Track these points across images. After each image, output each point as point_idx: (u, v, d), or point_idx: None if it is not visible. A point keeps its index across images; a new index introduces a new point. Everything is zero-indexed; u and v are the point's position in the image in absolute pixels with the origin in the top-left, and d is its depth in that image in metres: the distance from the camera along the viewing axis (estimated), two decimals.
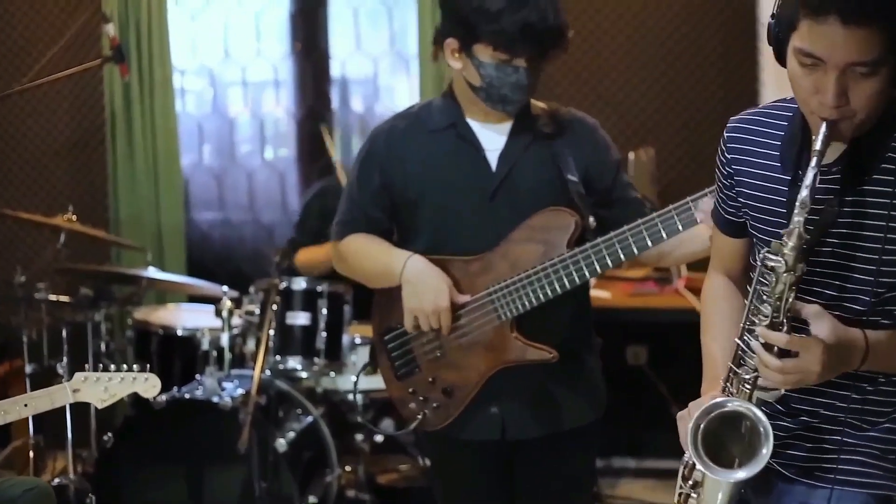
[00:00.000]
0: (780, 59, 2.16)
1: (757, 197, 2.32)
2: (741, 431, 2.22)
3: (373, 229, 3.26)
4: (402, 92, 6.33)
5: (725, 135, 2.39)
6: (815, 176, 2.07)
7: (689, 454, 2.26)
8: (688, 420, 2.26)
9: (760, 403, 2.21)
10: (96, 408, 5.23)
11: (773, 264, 2.09)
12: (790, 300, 2.11)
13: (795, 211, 2.06)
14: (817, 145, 2.07)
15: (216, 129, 6.47)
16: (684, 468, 2.43)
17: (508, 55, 2.95)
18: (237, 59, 6.35)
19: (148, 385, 3.29)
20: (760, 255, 2.17)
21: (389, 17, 6.25)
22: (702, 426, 2.20)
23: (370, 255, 3.24)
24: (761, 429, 2.15)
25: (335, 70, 6.32)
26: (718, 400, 2.22)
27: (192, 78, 6.49)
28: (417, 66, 5.88)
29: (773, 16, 2.15)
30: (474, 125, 3.13)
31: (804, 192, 2.06)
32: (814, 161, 2.07)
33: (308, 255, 5.10)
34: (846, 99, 2.05)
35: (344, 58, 6.29)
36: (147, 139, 6.00)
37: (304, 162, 6.37)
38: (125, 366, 3.31)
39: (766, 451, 2.14)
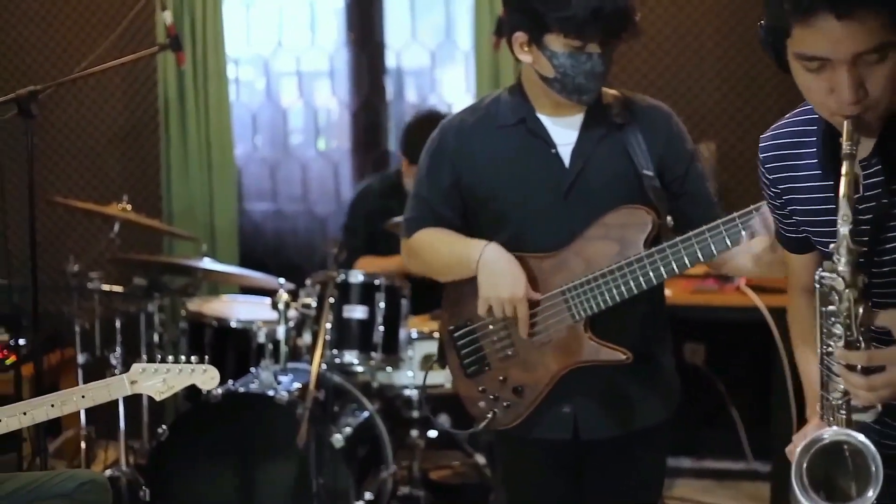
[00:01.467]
0: (783, 67, 2.08)
1: (809, 211, 2.24)
2: (846, 458, 2.11)
3: (441, 227, 3.19)
4: (457, 83, 6.25)
5: (761, 155, 2.32)
6: (850, 182, 1.98)
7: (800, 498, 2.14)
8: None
9: (860, 426, 2.11)
10: (150, 399, 5.28)
11: (830, 283, 2.01)
12: (859, 315, 2.01)
13: (839, 223, 1.98)
14: (845, 148, 1.99)
15: (269, 120, 6.43)
16: None
17: (581, 41, 2.86)
18: (291, 48, 6.30)
19: (206, 377, 3.23)
20: (816, 276, 2.08)
21: (445, 7, 6.19)
22: (804, 465, 2.09)
23: (444, 247, 3.17)
24: (866, 453, 2.04)
25: (390, 61, 6.26)
26: (814, 435, 2.11)
27: (246, 67, 6.45)
28: (473, 58, 5.81)
29: (760, 26, 2.06)
30: (545, 120, 3.06)
31: (842, 203, 1.97)
32: (844, 167, 1.99)
33: (371, 267, 5.05)
34: (864, 91, 1.97)
35: (399, 48, 6.22)
36: (200, 129, 5.96)
37: (358, 153, 6.32)
38: (183, 357, 3.24)
39: (876, 468, 2.03)
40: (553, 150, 3.04)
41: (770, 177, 2.29)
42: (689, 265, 2.85)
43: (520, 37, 2.97)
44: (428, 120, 5.21)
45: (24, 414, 3.15)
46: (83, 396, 3.17)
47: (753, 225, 2.77)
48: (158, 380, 3.20)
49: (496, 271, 3.00)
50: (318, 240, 6.26)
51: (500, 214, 3.10)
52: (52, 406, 3.15)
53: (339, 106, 6.37)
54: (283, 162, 6.42)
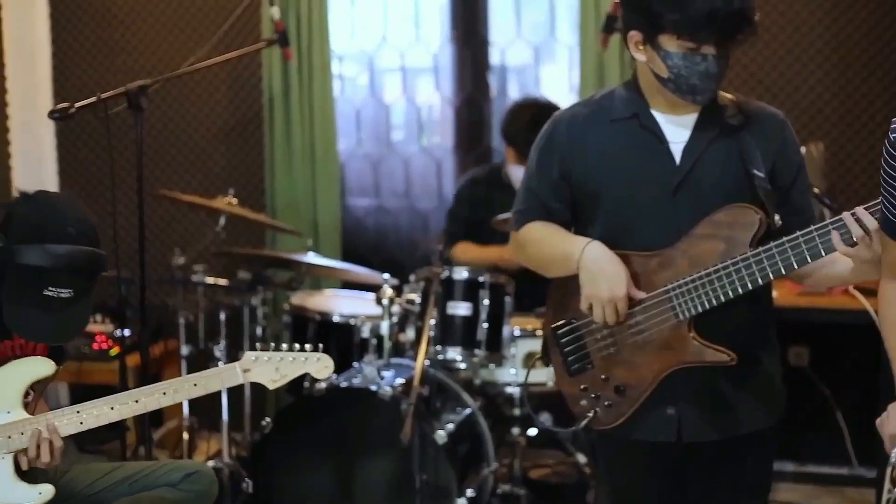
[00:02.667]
0: None
1: None
2: None
3: (551, 219, 3.18)
4: (559, 80, 6.21)
5: (892, 136, 2.26)
6: None
7: (894, 457, 2.12)
8: (888, 424, 2.13)
9: None
10: (252, 392, 5.32)
11: None
12: None
13: None
14: None
15: (372, 116, 6.43)
16: (892, 470, 2.29)
17: (695, 43, 2.82)
18: (395, 44, 6.30)
19: (320, 365, 3.23)
20: None
21: (549, 4, 6.15)
22: None
23: (549, 242, 3.16)
24: None
25: (494, 57, 6.23)
26: None
27: (350, 63, 6.46)
28: (577, 54, 5.76)
29: None
30: (658, 117, 3.03)
31: None
32: None
33: (467, 255, 5.04)
34: None
35: (503, 45, 6.20)
36: (305, 124, 5.99)
37: (461, 150, 6.30)
38: (297, 346, 3.24)
39: None
40: (664, 147, 3.01)
41: None
42: (795, 266, 2.79)
43: (634, 35, 2.94)
44: (530, 106, 5.21)
45: (137, 402, 3.17)
46: (195, 385, 3.18)
47: (853, 229, 2.71)
48: (271, 368, 3.20)
49: (597, 270, 2.98)
50: (419, 236, 6.27)
51: (607, 209, 3.07)
52: (165, 394, 3.17)
53: (442, 102, 6.36)
54: (385, 158, 6.43)
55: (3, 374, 3.21)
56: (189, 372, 5.36)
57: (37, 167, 6.47)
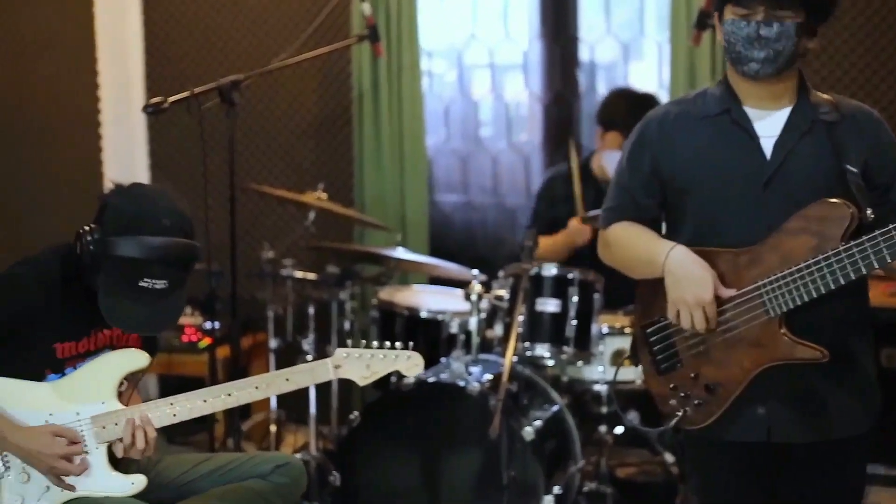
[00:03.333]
0: None
1: None
2: None
3: (641, 216, 3.17)
4: (649, 78, 6.17)
5: None
6: None
7: None
8: None
9: None
10: (339, 386, 5.35)
11: None
12: None
13: None
14: None
15: (461, 112, 6.43)
16: None
17: (745, 9, 2.88)
18: (484, 41, 6.29)
19: (410, 363, 3.24)
20: None
21: (640, 1, 6.11)
22: None
23: (634, 244, 3.16)
24: None
25: (583, 54, 6.20)
26: None
27: (439, 60, 6.46)
28: (668, 52, 5.71)
29: None
30: (750, 112, 3.02)
31: None
32: None
33: (544, 249, 5.02)
34: None
35: (593, 42, 6.17)
36: (393, 120, 6.00)
37: (550, 147, 6.28)
38: (387, 343, 3.25)
39: None
40: (755, 142, 3.00)
41: None
42: (888, 259, 2.75)
43: (715, 17, 2.99)
44: (630, 93, 5.20)
45: (229, 395, 3.20)
46: (287, 380, 3.21)
47: None
48: (362, 365, 3.22)
49: (682, 275, 2.97)
50: (507, 232, 6.26)
51: (697, 205, 3.06)
52: (257, 388, 3.20)
53: (530, 99, 6.35)
54: (473, 154, 6.42)
55: (99, 366, 3.25)
56: (277, 365, 5.40)
57: (128, 161, 6.54)
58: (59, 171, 6.12)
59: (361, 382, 3.24)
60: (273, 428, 5.59)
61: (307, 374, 3.23)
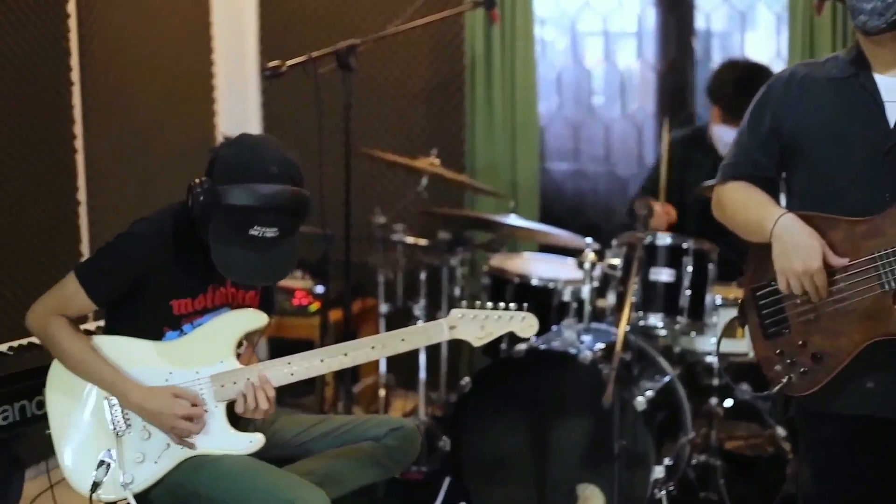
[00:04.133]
0: None
1: None
2: None
3: (757, 175, 3.14)
4: (765, 47, 6.07)
5: None
6: None
7: None
8: None
9: None
10: (448, 351, 5.36)
11: None
12: None
13: None
14: None
15: (573, 80, 6.39)
16: None
17: None
18: (598, 8, 6.24)
19: (525, 325, 3.24)
20: None
21: None
22: None
23: (746, 207, 3.13)
24: None
25: (699, 22, 6.12)
26: None
27: (551, 27, 6.42)
28: (786, 21, 5.61)
29: None
30: (879, 79, 2.96)
31: None
32: None
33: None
34: None
35: (709, 10, 6.09)
36: (506, 87, 5.98)
37: (663, 115, 6.21)
38: (501, 304, 3.24)
39: None
40: (880, 108, 2.95)
41: None
42: None
43: None
44: (738, 65, 5.13)
45: (345, 355, 3.22)
46: (403, 340, 3.22)
47: None
48: (477, 326, 3.22)
49: (789, 243, 2.93)
50: (618, 201, 6.21)
51: (815, 168, 3.03)
52: (373, 348, 3.21)
53: (644, 67, 6.28)
54: (585, 122, 6.38)
55: (218, 325, 3.29)
56: (387, 329, 5.43)
57: (242, 126, 6.58)
58: (174, 135, 6.17)
59: (476, 343, 3.24)
60: (382, 392, 5.63)
61: (422, 335, 3.24)
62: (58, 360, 3.28)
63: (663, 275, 4.58)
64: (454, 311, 3.24)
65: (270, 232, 3.08)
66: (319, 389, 5.62)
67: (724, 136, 4.94)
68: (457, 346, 5.66)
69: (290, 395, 5.75)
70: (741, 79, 4.89)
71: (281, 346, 5.77)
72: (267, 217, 3.06)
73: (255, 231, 3.06)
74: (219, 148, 3.20)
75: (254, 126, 6.64)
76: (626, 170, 6.29)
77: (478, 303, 3.29)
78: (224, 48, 6.59)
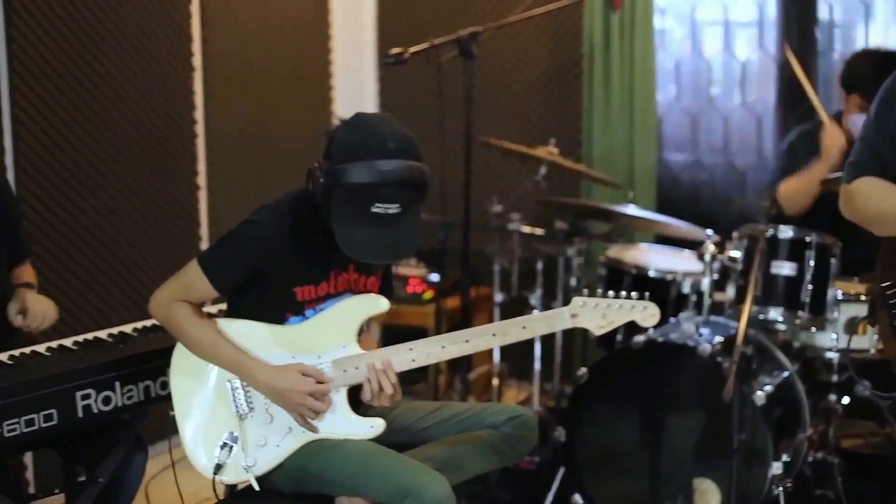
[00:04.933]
0: None
1: None
2: None
3: (884, 173, 3.06)
4: (890, 39, 5.95)
5: None
6: None
7: None
8: None
9: None
10: (563, 342, 5.35)
11: None
12: None
13: None
14: None
15: (692, 69, 6.33)
16: None
17: None
18: None
19: (647, 314, 3.20)
20: None
21: None
22: None
23: (880, 197, 3.06)
24: None
25: (822, 12, 6.02)
26: None
27: (671, 16, 6.37)
28: None
29: None
30: None
31: None
32: None
33: (789, 189, 4.87)
34: None
35: (832, 0, 5.99)
36: (624, 76, 5.95)
37: (784, 107, 6.12)
38: (623, 293, 3.21)
39: None
40: None
41: None
42: None
43: None
44: (876, 52, 5.02)
45: (467, 342, 3.21)
46: (524, 328, 3.20)
47: None
48: (598, 314, 3.19)
49: None
50: (736, 193, 6.14)
51: None
52: (494, 335, 3.19)
53: (764, 57, 6.19)
54: (704, 112, 6.31)
55: (340, 310, 3.30)
56: (502, 318, 5.42)
57: (358, 111, 6.63)
58: (291, 122, 6.23)
59: (597, 332, 3.21)
60: (495, 381, 5.63)
61: (544, 322, 3.21)
62: (182, 345, 3.33)
63: (785, 268, 4.50)
64: (576, 299, 3.21)
65: (392, 208, 3.06)
66: (433, 377, 5.64)
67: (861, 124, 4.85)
68: (570, 336, 5.65)
69: (402, 383, 5.76)
70: (880, 65, 4.78)
71: (393, 333, 5.79)
72: (387, 193, 3.04)
73: (378, 208, 3.05)
74: (335, 130, 3.19)
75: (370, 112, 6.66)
76: (744, 161, 6.21)
77: (599, 291, 3.26)
78: (342, 36, 6.63)
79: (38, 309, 3.67)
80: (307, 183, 3.17)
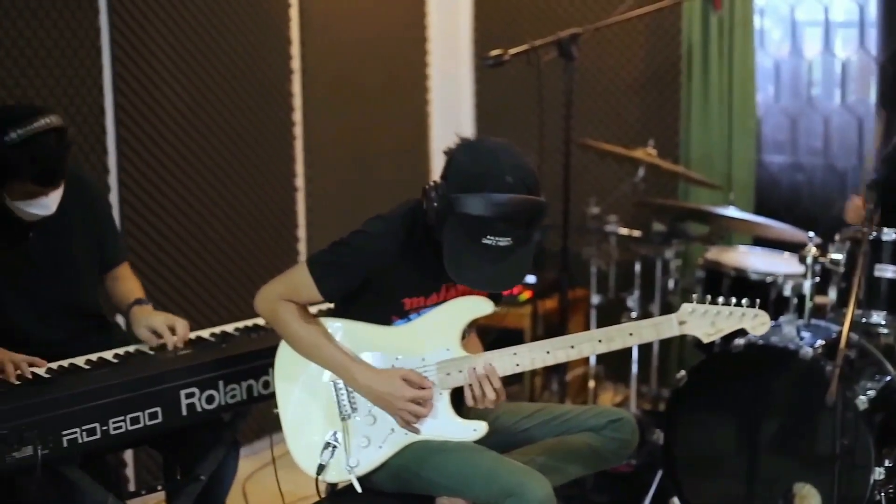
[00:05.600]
0: None
1: None
2: None
3: None
4: None
5: None
6: None
7: None
8: None
9: None
10: (660, 345, 5.32)
11: None
12: None
13: None
14: None
15: (791, 70, 6.26)
16: None
17: None
18: None
19: (757, 322, 3.18)
20: None
21: None
22: None
23: None
24: None
25: None
26: None
27: (770, 16, 6.31)
28: None
29: None
30: None
31: None
32: None
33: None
34: None
35: None
36: (723, 77, 5.90)
37: (887, 108, 6.02)
38: (733, 300, 3.19)
39: None
40: None
41: None
42: None
43: None
44: None
45: (572, 347, 3.21)
46: (631, 334, 3.19)
47: None
48: (707, 321, 3.17)
49: None
50: (835, 194, 6.06)
51: None
52: (600, 342, 3.19)
53: (865, 57, 6.11)
54: (804, 113, 6.24)
55: (445, 312, 3.31)
56: (598, 321, 5.42)
57: (455, 115, 6.66)
58: (388, 124, 6.27)
59: (705, 339, 3.19)
60: (591, 383, 5.62)
61: (652, 329, 3.20)
62: (286, 343, 3.36)
63: (889, 272, 4.43)
64: (685, 306, 3.19)
65: (503, 241, 3.06)
66: (528, 379, 5.64)
67: None
68: (667, 339, 5.62)
69: None
70: None
71: (489, 335, 5.80)
72: (500, 227, 3.05)
73: (489, 240, 3.05)
74: (455, 150, 3.18)
75: (466, 115, 6.69)
76: (845, 163, 6.12)
77: (694, 295, 3.24)
78: (439, 38, 6.66)
79: (169, 333, 3.66)
80: (422, 199, 3.18)
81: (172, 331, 3.62)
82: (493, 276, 3.12)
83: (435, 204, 3.10)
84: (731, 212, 5.11)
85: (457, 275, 3.13)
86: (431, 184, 3.16)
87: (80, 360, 3.48)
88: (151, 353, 3.58)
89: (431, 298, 3.32)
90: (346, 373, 3.27)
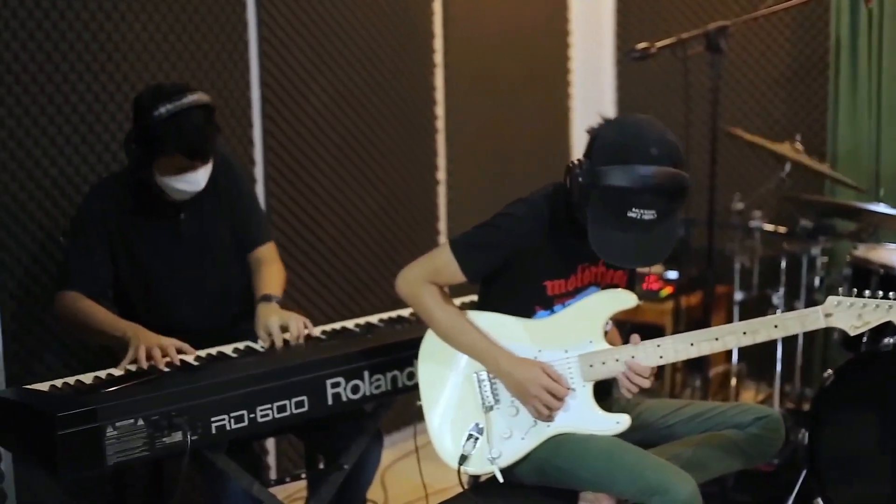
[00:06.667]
0: None
1: None
2: None
3: None
4: None
5: None
6: None
7: None
8: None
9: None
10: (804, 342, 5.22)
11: None
12: None
13: None
14: None
15: None
16: None
17: None
18: None
19: None
20: None
21: None
22: None
23: None
24: None
25: None
26: None
27: None
28: None
29: None
30: None
31: None
32: None
33: None
34: None
35: None
36: (872, 71, 5.76)
37: None
38: (880, 292, 3.12)
39: None
40: None
41: None
42: None
43: None
44: None
45: (717, 339, 3.17)
46: (776, 326, 3.14)
47: None
48: (854, 314, 3.11)
49: None
50: None
51: None
52: (745, 334, 3.15)
53: None
54: None
55: (587, 305, 3.30)
56: (741, 319, 5.34)
57: (596, 108, 6.59)
58: (529, 117, 6.27)
59: (852, 332, 3.12)
60: (733, 381, 5.54)
61: (797, 321, 3.14)
62: (429, 327, 3.38)
63: None
64: (831, 298, 3.13)
65: (648, 214, 3.04)
66: (669, 375, 5.58)
67: None
68: (811, 337, 5.51)
69: None
70: None
71: (627, 330, 5.76)
72: (644, 199, 3.02)
73: (633, 213, 3.03)
74: (598, 128, 3.19)
75: (608, 110, 6.65)
76: None
77: (854, 290, 3.17)
78: (581, 31, 6.64)
79: (279, 333, 3.67)
80: (565, 179, 3.18)
81: (286, 329, 3.65)
82: (637, 250, 3.10)
83: (580, 179, 3.09)
84: (881, 208, 4.99)
85: (601, 250, 3.11)
86: (574, 162, 3.15)
87: (227, 349, 3.55)
88: (262, 349, 3.61)
89: (571, 281, 3.32)
90: (487, 356, 3.28)
